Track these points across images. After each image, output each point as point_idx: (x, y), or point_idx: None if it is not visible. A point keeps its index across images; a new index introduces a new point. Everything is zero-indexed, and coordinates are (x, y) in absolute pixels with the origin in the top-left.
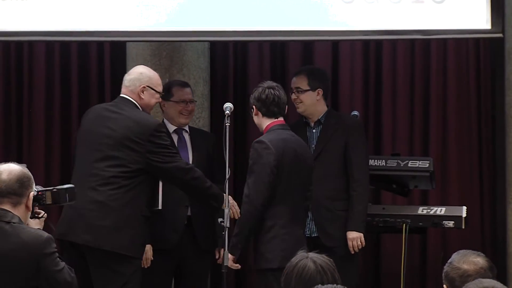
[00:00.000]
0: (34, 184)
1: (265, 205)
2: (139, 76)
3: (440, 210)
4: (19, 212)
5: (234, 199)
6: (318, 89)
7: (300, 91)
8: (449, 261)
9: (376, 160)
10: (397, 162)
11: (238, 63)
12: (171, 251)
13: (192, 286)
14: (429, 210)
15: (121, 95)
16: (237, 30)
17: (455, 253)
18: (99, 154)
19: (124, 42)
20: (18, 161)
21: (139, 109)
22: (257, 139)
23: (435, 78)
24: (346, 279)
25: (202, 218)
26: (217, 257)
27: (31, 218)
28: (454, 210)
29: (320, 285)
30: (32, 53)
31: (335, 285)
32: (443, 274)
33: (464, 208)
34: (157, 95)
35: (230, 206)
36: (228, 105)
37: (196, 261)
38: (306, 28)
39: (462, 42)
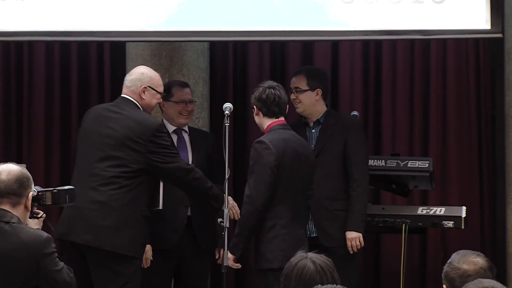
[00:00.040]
0: (33, 185)
1: (266, 205)
2: (140, 76)
3: (440, 210)
4: (18, 212)
5: (234, 199)
6: (317, 89)
7: (299, 91)
8: (448, 261)
9: (375, 160)
10: (397, 162)
11: (238, 63)
12: (171, 251)
13: (192, 286)
14: (428, 210)
15: (122, 95)
16: (237, 30)
17: (455, 253)
18: (100, 154)
19: (124, 42)
20: (18, 161)
21: (140, 109)
22: (258, 139)
23: (435, 78)
24: (346, 279)
25: (202, 218)
26: (217, 257)
27: (30, 218)
28: (453, 210)
29: (320, 285)
30: (32, 53)
31: (334, 285)
32: (443, 274)
33: (464, 208)
34: (158, 96)
35: (230, 207)
36: (227, 105)
37: (196, 261)
38: (306, 28)
39: (462, 42)
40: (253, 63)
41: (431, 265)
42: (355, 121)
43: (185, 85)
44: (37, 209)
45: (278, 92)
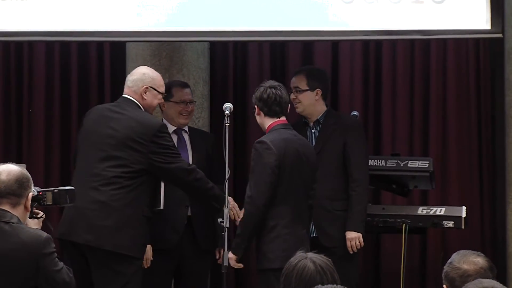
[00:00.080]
0: (32, 185)
1: (267, 205)
2: (142, 76)
3: (440, 210)
4: (18, 212)
5: (234, 199)
6: (317, 89)
7: (299, 90)
8: (449, 261)
9: (375, 160)
10: (397, 162)
11: (238, 63)
12: (171, 251)
13: (192, 286)
14: (428, 210)
15: (123, 95)
16: (237, 30)
17: (455, 253)
18: (101, 154)
19: (124, 42)
20: (18, 161)
21: (141, 109)
22: (259, 140)
23: (435, 78)
24: (346, 279)
25: (202, 218)
26: (217, 257)
27: (29, 218)
28: (453, 210)
29: (320, 285)
30: (32, 53)
31: (335, 285)
32: (443, 274)
33: (464, 208)
34: (160, 96)
35: (231, 208)
36: (227, 105)
37: (196, 261)
38: (306, 28)
39: (462, 42)
40: (253, 63)
41: (431, 265)
42: (355, 121)
43: (185, 85)
44: (36, 209)
45: (279, 92)
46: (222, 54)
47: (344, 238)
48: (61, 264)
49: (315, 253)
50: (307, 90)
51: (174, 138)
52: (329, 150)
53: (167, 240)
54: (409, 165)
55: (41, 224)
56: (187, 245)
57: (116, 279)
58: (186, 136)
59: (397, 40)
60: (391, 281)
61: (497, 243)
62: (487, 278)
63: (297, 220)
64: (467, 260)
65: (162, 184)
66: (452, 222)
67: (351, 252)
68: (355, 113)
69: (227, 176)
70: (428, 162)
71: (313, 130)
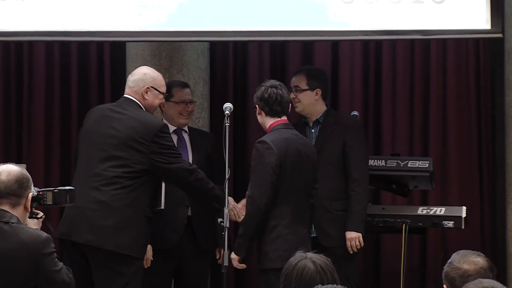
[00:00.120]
0: (32, 185)
1: (269, 205)
2: (143, 76)
3: (440, 210)
4: (17, 212)
5: (234, 199)
6: (317, 89)
7: (298, 90)
8: (449, 261)
9: (375, 160)
10: (397, 162)
11: (238, 63)
12: (171, 251)
13: (192, 286)
14: (428, 210)
15: (124, 95)
16: (237, 30)
17: (455, 253)
18: (102, 154)
19: (124, 42)
20: (18, 161)
21: (142, 109)
22: (260, 139)
23: (435, 78)
24: (346, 279)
25: (202, 218)
26: (217, 257)
27: (29, 218)
28: (453, 210)
29: (320, 285)
30: (32, 53)
31: (335, 285)
32: (443, 274)
33: (464, 208)
34: (161, 96)
35: (231, 208)
36: (227, 105)
37: (196, 261)
38: (306, 28)
39: (462, 42)
40: (253, 63)
41: (431, 265)
42: (355, 121)
43: (185, 85)
44: (36, 209)
45: (280, 92)
46: (222, 54)
47: (344, 238)
48: (60, 264)
49: (315, 253)
50: (307, 89)
51: (174, 138)
52: (328, 150)
53: (167, 240)
54: (409, 165)
55: (40, 224)
56: (187, 245)
57: (117, 279)
58: (186, 136)
59: (397, 40)
60: (391, 281)
61: (497, 243)
62: (487, 278)
63: (298, 220)
64: (467, 260)
65: (163, 184)
66: (452, 222)
67: (351, 252)
68: (355, 113)
69: (227, 176)
70: (428, 162)
71: (312, 130)
